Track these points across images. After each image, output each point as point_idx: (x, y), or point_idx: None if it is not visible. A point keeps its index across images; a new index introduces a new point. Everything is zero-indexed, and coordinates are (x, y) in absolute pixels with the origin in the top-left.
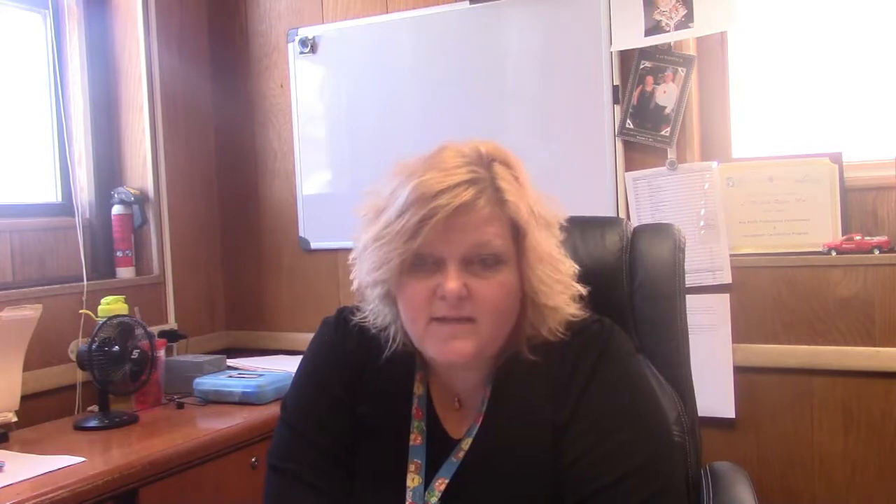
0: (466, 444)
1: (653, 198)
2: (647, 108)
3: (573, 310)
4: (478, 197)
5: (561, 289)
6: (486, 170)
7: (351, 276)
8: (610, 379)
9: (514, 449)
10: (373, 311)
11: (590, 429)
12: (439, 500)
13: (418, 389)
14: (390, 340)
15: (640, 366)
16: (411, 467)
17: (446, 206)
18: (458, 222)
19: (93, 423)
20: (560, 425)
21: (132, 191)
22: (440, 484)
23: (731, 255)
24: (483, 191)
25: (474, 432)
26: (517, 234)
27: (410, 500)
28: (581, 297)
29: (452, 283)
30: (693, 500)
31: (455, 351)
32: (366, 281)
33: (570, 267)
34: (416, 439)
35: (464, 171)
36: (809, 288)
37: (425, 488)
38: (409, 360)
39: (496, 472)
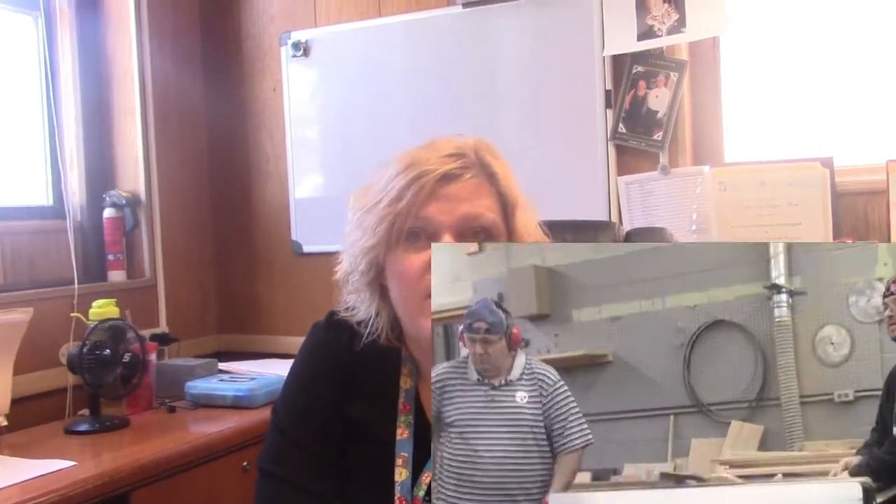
0: None
1: (645, 202)
2: (640, 112)
3: None
4: (465, 167)
5: None
6: (475, 153)
7: (336, 268)
8: None
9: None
10: (358, 300)
11: None
12: (425, 493)
13: (405, 383)
14: (378, 330)
15: None
16: (398, 461)
17: (434, 172)
18: (448, 191)
19: (83, 427)
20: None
21: (124, 194)
22: (426, 477)
23: None
24: (471, 165)
25: None
26: (506, 210)
27: (399, 494)
28: None
29: None
30: None
31: None
32: (356, 251)
33: None
34: (402, 433)
35: (452, 146)
36: None
37: (413, 483)
38: (397, 357)
39: None
